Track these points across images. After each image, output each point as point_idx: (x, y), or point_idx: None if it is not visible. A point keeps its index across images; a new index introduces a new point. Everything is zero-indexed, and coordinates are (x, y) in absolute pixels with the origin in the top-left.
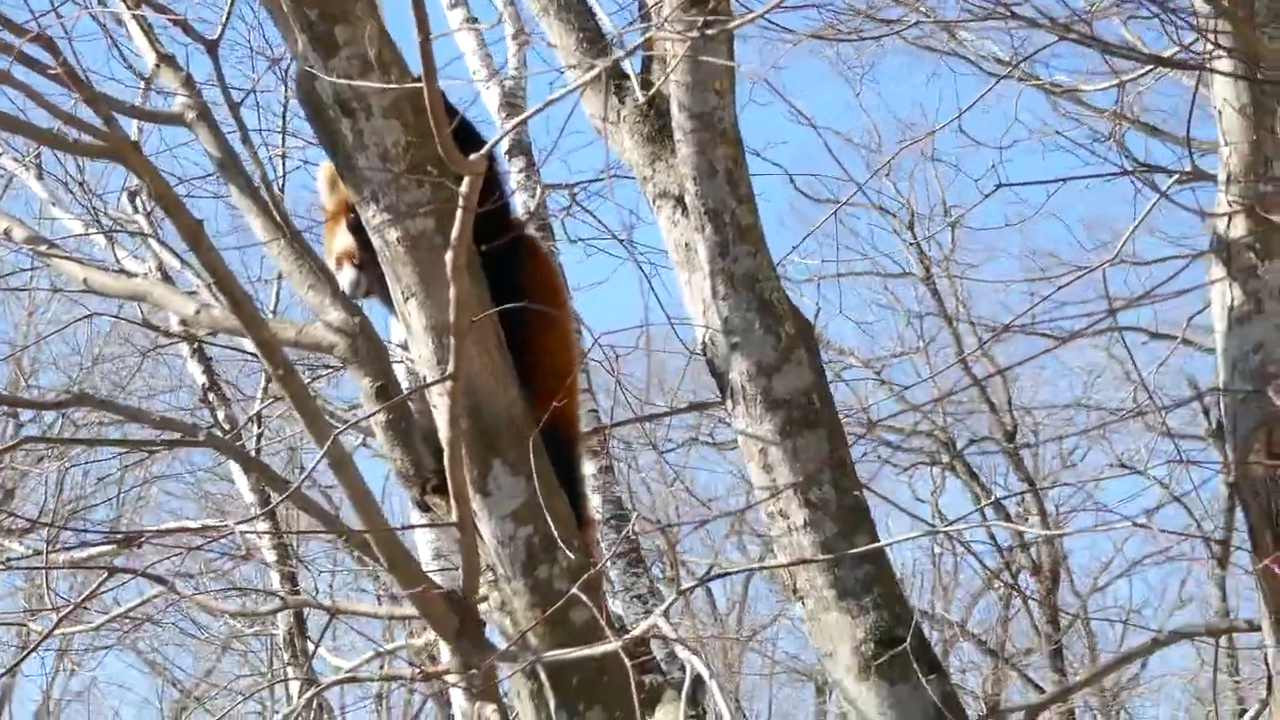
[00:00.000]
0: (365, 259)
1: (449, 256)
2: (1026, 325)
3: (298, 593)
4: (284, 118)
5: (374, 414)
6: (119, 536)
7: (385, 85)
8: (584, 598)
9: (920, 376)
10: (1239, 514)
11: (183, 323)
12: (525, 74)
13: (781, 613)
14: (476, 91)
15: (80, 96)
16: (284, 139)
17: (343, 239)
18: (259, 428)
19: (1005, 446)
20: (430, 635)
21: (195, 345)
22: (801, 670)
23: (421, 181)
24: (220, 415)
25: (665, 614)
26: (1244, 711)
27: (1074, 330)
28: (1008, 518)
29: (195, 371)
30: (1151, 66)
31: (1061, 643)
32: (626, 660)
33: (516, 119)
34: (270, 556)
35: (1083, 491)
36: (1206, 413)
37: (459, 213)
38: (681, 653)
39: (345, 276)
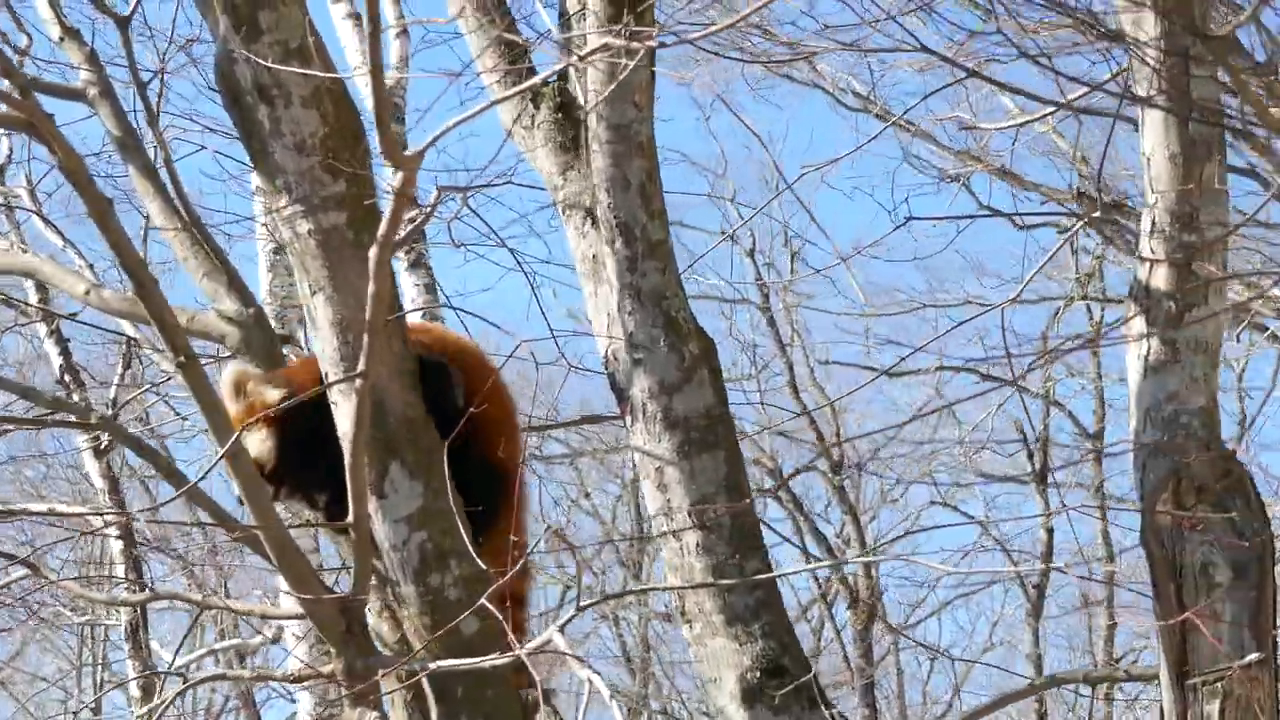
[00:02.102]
0: (277, 468)
1: (373, 251)
2: (854, 361)
3: (143, 583)
4: (160, 101)
5: (275, 409)
6: None
7: (317, 72)
8: (491, 608)
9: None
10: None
11: (42, 302)
12: (406, 72)
13: None
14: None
15: None
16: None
17: (253, 443)
18: (114, 410)
19: (833, 479)
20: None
21: (53, 325)
22: None
23: (336, 175)
24: (75, 397)
25: (561, 629)
26: None
27: (901, 366)
28: (828, 548)
29: (52, 352)
30: (1054, 109)
31: (874, 679)
32: (534, 673)
33: (445, 125)
34: (117, 546)
35: (903, 525)
36: (1031, 457)
37: (390, 205)
38: (582, 671)
39: None
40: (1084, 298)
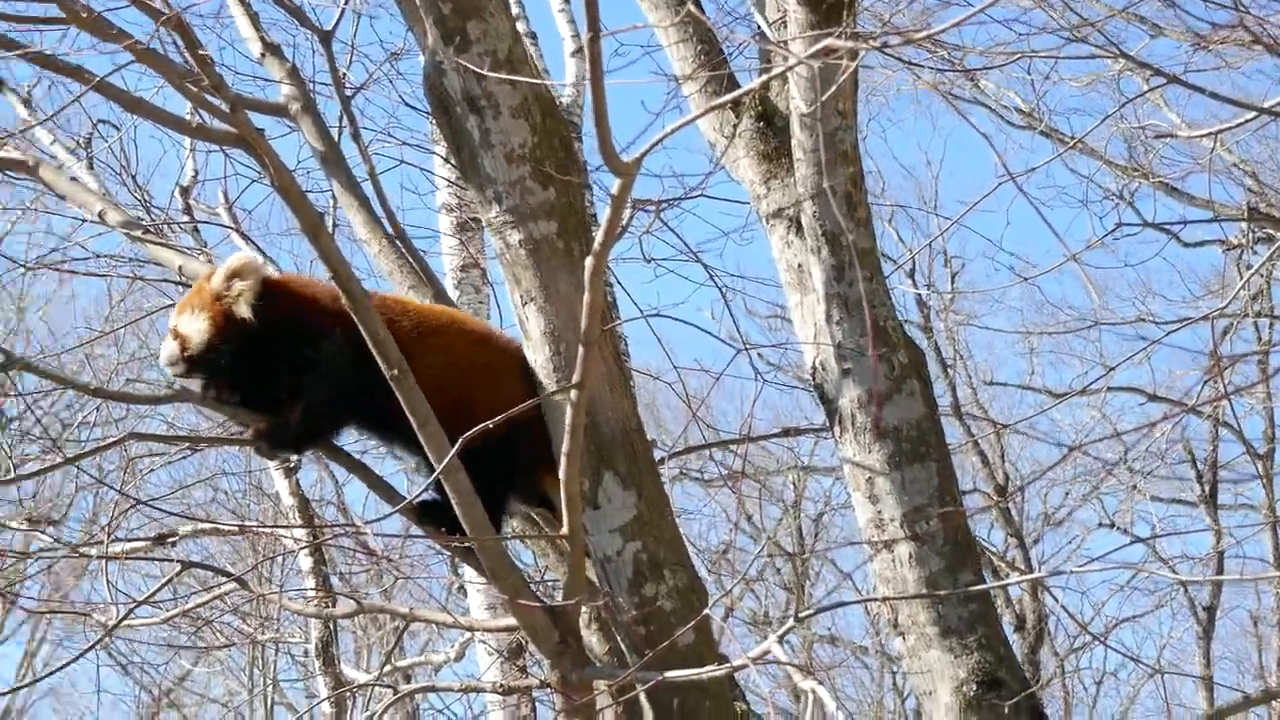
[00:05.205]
0: (198, 359)
1: (589, 261)
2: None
3: (334, 596)
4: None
5: (494, 422)
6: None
7: (526, 79)
8: (715, 618)
9: None
10: None
11: None
12: (583, 89)
13: None
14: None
15: (209, 82)
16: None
17: (195, 324)
18: None
19: (995, 501)
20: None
21: None
22: None
23: (546, 184)
24: None
25: (781, 640)
26: None
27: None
28: (993, 570)
29: None
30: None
31: (1041, 701)
32: (763, 694)
33: (676, 124)
34: (306, 562)
35: (1068, 548)
36: (1200, 478)
37: (607, 213)
38: (805, 682)
39: (167, 349)
40: (1257, 315)
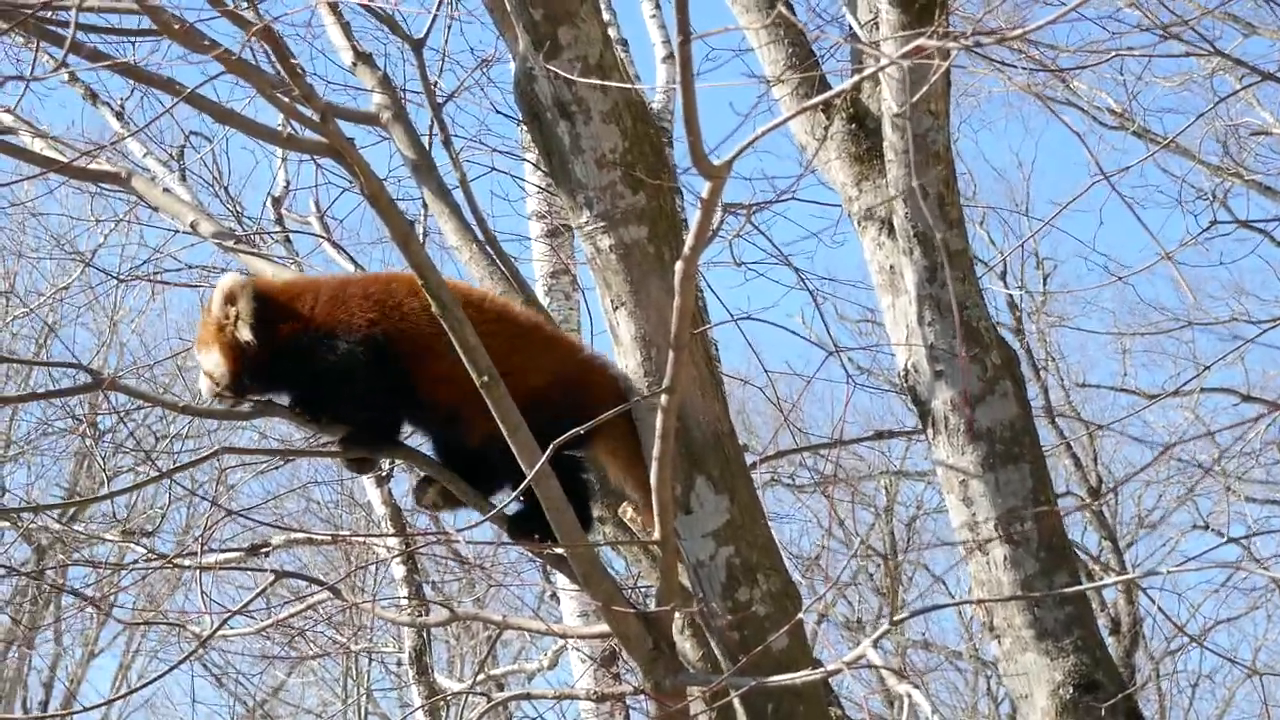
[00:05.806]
0: (232, 385)
1: (679, 265)
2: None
3: (427, 604)
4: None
5: (584, 429)
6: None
7: (616, 84)
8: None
9: None
10: None
11: None
12: (673, 94)
13: None
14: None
15: (299, 92)
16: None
17: (211, 359)
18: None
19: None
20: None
21: None
22: None
23: (637, 189)
24: None
25: (875, 644)
26: None
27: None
28: (1088, 573)
29: None
30: None
31: (1136, 704)
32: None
33: (766, 126)
34: (399, 570)
35: (1162, 550)
36: None
37: (696, 217)
38: (900, 686)
39: (204, 387)
40: None
